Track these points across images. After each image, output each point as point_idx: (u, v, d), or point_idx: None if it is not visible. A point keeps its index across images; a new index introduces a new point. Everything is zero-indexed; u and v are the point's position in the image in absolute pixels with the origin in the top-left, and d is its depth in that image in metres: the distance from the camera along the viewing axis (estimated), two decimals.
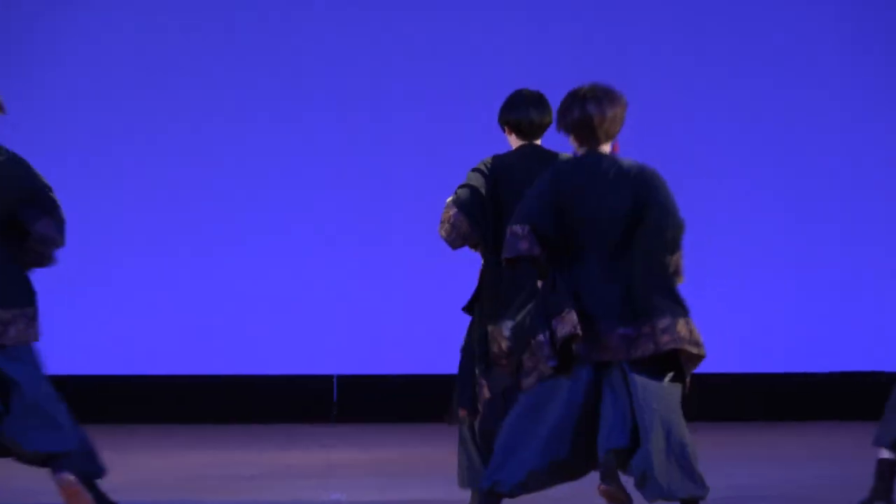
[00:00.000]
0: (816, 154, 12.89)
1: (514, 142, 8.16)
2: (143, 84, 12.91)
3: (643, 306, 7.13)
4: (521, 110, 8.15)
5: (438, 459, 9.57)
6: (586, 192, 7.13)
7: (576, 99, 7.18)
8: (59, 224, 7.99)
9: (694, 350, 7.15)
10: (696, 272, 11.47)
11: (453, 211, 7.93)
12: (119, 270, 12.26)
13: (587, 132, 7.11)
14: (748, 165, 12.89)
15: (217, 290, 12.48)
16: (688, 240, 10.77)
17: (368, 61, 12.84)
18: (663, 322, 7.10)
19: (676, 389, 7.29)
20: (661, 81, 12.80)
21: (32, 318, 7.85)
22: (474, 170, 8.27)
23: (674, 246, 7.26)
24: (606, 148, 7.19)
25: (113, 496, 8.35)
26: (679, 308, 7.17)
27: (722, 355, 11.44)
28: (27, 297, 7.88)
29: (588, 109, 7.10)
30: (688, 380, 7.37)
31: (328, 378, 12.41)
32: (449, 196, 8.54)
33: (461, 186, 8.13)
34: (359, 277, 12.39)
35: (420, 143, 12.52)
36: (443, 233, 7.99)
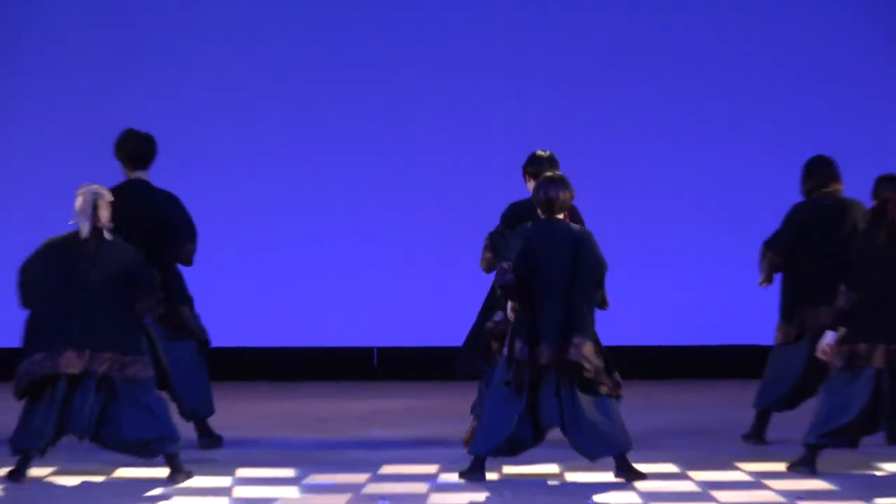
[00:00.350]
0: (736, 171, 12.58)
1: (531, 188, 8.68)
2: (233, 120, 12.64)
3: (570, 325, 7.93)
4: (538, 165, 8.71)
5: (454, 406, 10.06)
6: (545, 246, 7.99)
7: (542, 185, 8.05)
8: (157, 299, 8.30)
9: (585, 365, 7.88)
10: (649, 268, 12.23)
11: (489, 254, 8.50)
12: (222, 264, 12.07)
13: (548, 207, 8.00)
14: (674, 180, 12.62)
15: (293, 284, 12.51)
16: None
17: (405, 105, 12.68)
18: (578, 339, 7.89)
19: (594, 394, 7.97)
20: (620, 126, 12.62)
21: (146, 365, 8.11)
22: (503, 216, 8.88)
23: (599, 282, 8.01)
24: (560, 216, 8.05)
25: (221, 433, 9.30)
26: (591, 333, 7.98)
27: (648, 331, 12.26)
28: (142, 347, 8.17)
29: (549, 193, 8.00)
30: (612, 388, 8.01)
31: (370, 349, 12.73)
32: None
33: (496, 232, 8.75)
34: (394, 272, 12.47)
35: (444, 165, 12.57)
36: (482, 265, 8.64)
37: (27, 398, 8.02)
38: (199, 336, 9.15)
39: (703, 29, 12.63)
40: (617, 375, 8.01)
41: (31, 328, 8.05)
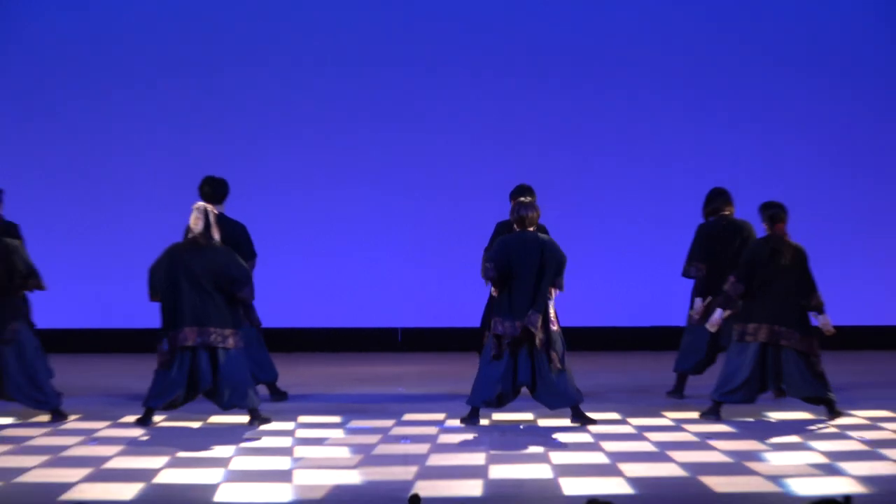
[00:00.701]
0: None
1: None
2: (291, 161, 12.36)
3: (532, 304, 8.17)
4: (520, 193, 8.84)
5: (458, 371, 10.20)
6: (520, 251, 8.22)
7: (516, 206, 8.32)
8: (252, 287, 8.36)
9: (534, 331, 8.05)
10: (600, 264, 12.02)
11: (490, 264, 8.25)
12: (288, 266, 11.87)
13: (521, 222, 8.29)
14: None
15: (338, 281, 12.29)
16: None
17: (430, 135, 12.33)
18: (532, 312, 8.12)
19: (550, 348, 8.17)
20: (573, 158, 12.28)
21: (241, 337, 8.33)
22: (494, 232, 8.98)
23: (558, 273, 8.20)
24: (531, 229, 8.29)
25: (286, 390, 9.50)
26: (544, 311, 8.16)
27: (602, 314, 12.10)
28: (238, 323, 8.45)
29: (521, 213, 8.28)
30: (556, 352, 8.11)
31: (395, 329, 12.59)
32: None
33: (490, 247, 8.66)
34: (415, 269, 12.33)
35: (455, 188, 12.29)
36: (482, 274, 8.30)
37: (157, 368, 8.27)
38: (255, 324, 9.24)
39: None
40: (553, 354, 8.18)
41: (163, 314, 8.31)
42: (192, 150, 12.11)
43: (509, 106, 12.33)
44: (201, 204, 8.36)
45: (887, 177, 12.28)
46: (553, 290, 8.28)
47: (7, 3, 12.11)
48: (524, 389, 8.38)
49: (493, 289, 8.39)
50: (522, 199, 8.49)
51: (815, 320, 8.49)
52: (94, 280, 12.16)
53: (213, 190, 9.13)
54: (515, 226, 8.37)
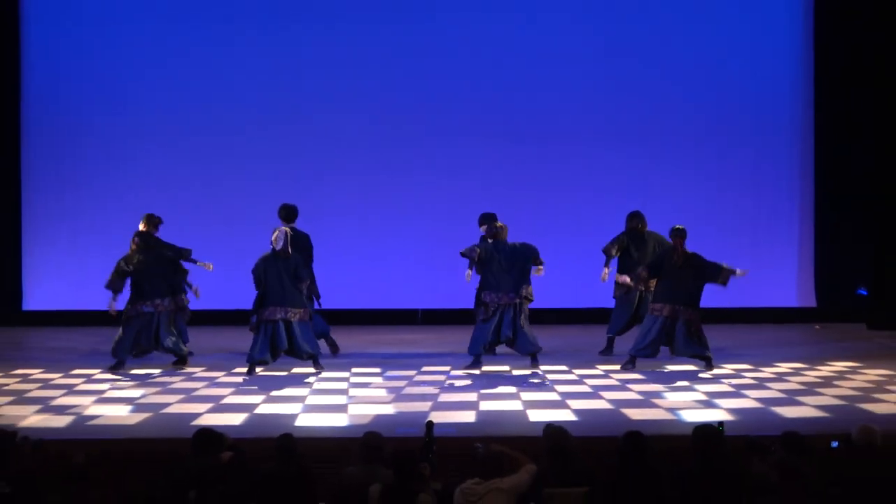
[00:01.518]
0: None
1: (484, 230, 8.70)
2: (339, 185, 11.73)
3: (519, 283, 8.37)
4: (487, 219, 8.75)
5: (462, 338, 9.23)
6: (494, 253, 8.46)
7: (492, 228, 8.56)
8: (310, 277, 8.52)
9: (530, 297, 8.34)
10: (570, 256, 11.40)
11: (471, 252, 8.40)
12: (338, 262, 11.15)
13: (494, 236, 8.51)
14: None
15: (375, 272, 11.74)
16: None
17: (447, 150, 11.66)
18: (525, 287, 8.36)
19: (525, 310, 8.48)
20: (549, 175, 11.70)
21: (309, 313, 8.46)
22: (480, 241, 8.77)
23: (536, 262, 8.31)
24: (503, 235, 8.47)
25: (342, 350, 9.54)
26: (529, 282, 8.41)
27: (557, 298, 11.53)
28: (305, 304, 8.48)
29: (494, 231, 8.53)
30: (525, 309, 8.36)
31: (416, 310, 12.01)
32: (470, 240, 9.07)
33: (471, 247, 8.61)
34: (431, 262, 11.60)
35: (456, 211, 11.41)
36: (468, 253, 8.39)
37: (255, 333, 8.50)
38: (317, 297, 9.21)
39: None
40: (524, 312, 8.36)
41: (258, 298, 8.52)
42: (286, 181, 11.79)
43: (491, 158, 12.01)
44: (283, 228, 8.57)
45: (758, 204, 12.08)
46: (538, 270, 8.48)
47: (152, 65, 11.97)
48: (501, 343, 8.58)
49: (467, 272, 8.58)
50: (497, 223, 8.66)
51: (740, 278, 8.39)
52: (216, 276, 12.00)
53: (287, 213, 9.17)
54: (489, 238, 8.66)
